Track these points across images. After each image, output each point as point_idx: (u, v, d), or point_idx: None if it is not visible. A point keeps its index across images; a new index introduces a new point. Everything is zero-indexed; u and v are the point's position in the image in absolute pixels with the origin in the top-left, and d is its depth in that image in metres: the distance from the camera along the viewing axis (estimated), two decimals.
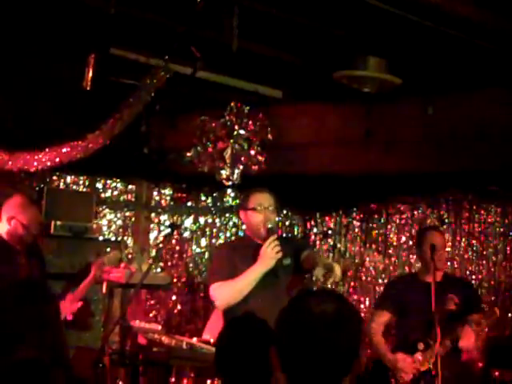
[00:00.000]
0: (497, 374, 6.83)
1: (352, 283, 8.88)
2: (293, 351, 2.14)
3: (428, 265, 5.47)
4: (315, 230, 9.28)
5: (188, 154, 6.98)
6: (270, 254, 4.70)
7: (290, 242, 5.02)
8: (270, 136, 6.99)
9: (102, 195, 8.05)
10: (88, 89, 5.20)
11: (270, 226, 4.80)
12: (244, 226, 5.09)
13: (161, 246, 8.11)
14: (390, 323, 5.87)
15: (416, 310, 5.46)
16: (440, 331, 5.25)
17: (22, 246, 5.40)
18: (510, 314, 7.70)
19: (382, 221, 8.71)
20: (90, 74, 5.21)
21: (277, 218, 5.03)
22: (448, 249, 8.10)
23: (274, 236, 4.75)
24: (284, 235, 4.95)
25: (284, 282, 4.82)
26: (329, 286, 4.67)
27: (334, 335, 2.12)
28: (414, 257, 8.38)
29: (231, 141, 7.00)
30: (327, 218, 9.16)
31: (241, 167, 7.03)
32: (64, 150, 6.12)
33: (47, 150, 6.16)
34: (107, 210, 8.12)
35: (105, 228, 8.08)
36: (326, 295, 2.28)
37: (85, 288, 6.06)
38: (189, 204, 8.69)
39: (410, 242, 8.45)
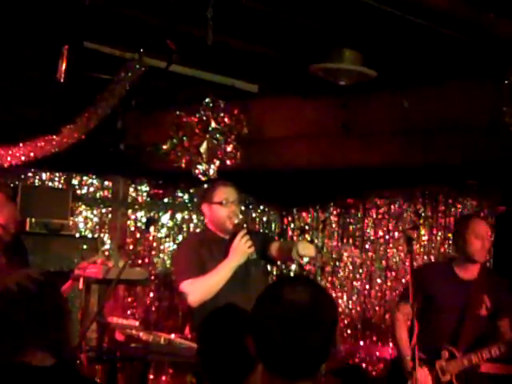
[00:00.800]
0: None
1: (329, 278, 8.90)
2: (268, 339, 2.14)
3: (470, 257, 5.08)
4: (292, 225, 9.30)
5: (164, 147, 6.96)
6: (242, 248, 4.66)
7: (255, 235, 4.93)
8: (245, 130, 6.99)
9: (78, 192, 8.01)
10: (61, 81, 5.17)
11: (236, 220, 4.77)
12: (207, 220, 5.02)
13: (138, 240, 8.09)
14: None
15: (446, 309, 5.04)
16: (469, 340, 5.03)
17: (1, 245, 5.35)
18: None
19: (359, 215, 8.74)
20: (64, 66, 5.18)
21: (241, 216, 4.97)
22: (425, 242, 8.18)
23: (244, 230, 4.73)
24: (248, 229, 4.93)
25: (254, 276, 4.80)
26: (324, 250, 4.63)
27: (309, 323, 2.12)
28: (392, 251, 8.43)
29: (207, 136, 6.99)
30: (304, 214, 9.18)
31: (217, 162, 7.02)
32: (39, 144, 6.10)
33: (21, 144, 6.13)
34: (83, 207, 8.09)
35: (81, 225, 8.04)
36: (301, 283, 2.26)
37: (66, 290, 6.08)
38: (165, 200, 8.67)
39: (387, 237, 8.49)
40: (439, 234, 8.12)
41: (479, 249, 5.06)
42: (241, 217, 4.92)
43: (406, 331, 5.07)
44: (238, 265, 4.69)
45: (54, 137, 6.16)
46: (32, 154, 6.14)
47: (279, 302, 2.14)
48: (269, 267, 5.91)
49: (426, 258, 8.10)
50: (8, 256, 5.36)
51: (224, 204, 4.78)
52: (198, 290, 4.66)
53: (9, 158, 6.10)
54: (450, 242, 7.97)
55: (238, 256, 4.68)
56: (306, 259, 4.71)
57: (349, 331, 8.56)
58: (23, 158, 6.14)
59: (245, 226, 4.99)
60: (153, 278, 8.36)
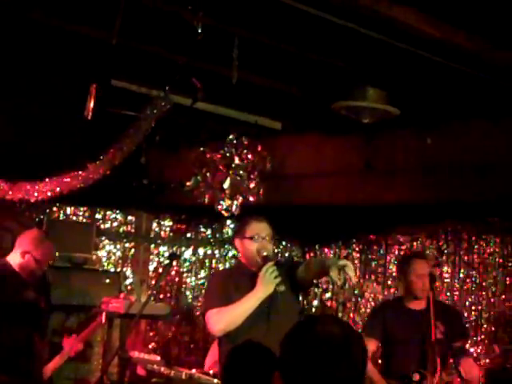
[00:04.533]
0: None
1: (351, 315, 8.89)
2: (299, 374, 2.12)
3: (413, 293, 5.47)
4: None
5: (188, 184, 7.00)
6: (268, 279, 4.63)
7: (281, 266, 5.00)
8: (269, 167, 7.02)
9: (102, 226, 8.06)
10: (89, 119, 5.24)
11: (265, 253, 4.76)
12: (239, 254, 5.07)
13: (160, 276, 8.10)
14: (377, 351, 5.81)
15: (404, 338, 5.40)
16: (434, 363, 5.17)
17: (32, 279, 5.44)
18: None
19: (382, 252, 8.74)
20: (92, 105, 5.25)
21: (273, 248, 4.99)
22: (447, 280, 8.15)
23: (271, 262, 4.71)
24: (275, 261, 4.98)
25: (281, 310, 4.72)
26: (346, 286, 4.61)
27: (341, 358, 2.11)
28: None
29: (230, 172, 7.03)
30: (326, 250, 9.18)
31: (240, 198, 7.05)
32: (64, 179, 6.17)
33: (48, 180, 6.20)
34: (107, 241, 8.13)
35: (104, 259, 8.08)
36: (332, 319, 2.29)
37: (91, 332, 6.15)
38: (188, 235, 8.71)
39: None
40: (462, 271, 8.10)
41: (420, 288, 5.43)
42: (271, 250, 4.87)
43: (372, 364, 5.48)
44: (264, 296, 4.65)
45: (80, 172, 6.22)
46: (58, 190, 6.21)
47: (312, 337, 2.14)
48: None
49: (448, 294, 8.07)
50: (37, 290, 5.46)
51: (255, 239, 4.78)
52: (223, 319, 4.65)
53: (35, 194, 6.17)
54: (473, 279, 7.99)
55: (264, 287, 4.65)
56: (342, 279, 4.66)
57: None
58: (49, 194, 6.21)
59: (274, 261, 4.93)
60: (175, 313, 8.37)
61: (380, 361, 5.72)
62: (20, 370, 5.22)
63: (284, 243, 9.28)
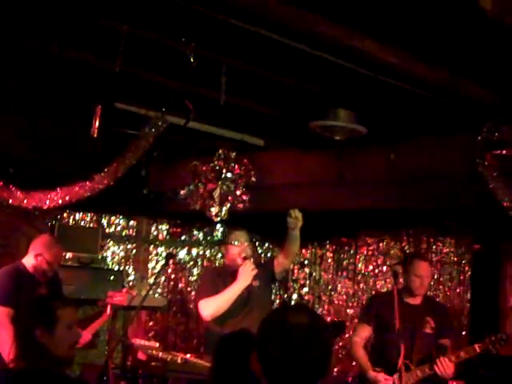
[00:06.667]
0: None
1: (326, 306, 8.89)
2: (273, 358, 2.15)
3: (411, 289, 5.29)
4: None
5: (182, 192, 7.01)
6: (247, 271, 5.18)
7: (260, 265, 5.53)
8: (253, 178, 7.03)
9: (107, 230, 8.03)
10: (95, 136, 5.25)
11: (244, 255, 5.31)
12: (225, 258, 5.59)
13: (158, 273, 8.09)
14: (371, 338, 5.53)
15: (398, 329, 5.01)
16: (420, 355, 5.12)
17: (45, 278, 5.41)
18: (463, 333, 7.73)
19: (352, 252, 8.75)
20: (97, 124, 5.25)
21: (251, 251, 5.47)
22: None
23: (249, 260, 5.29)
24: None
25: (256, 301, 5.25)
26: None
27: (310, 343, 2.14)
28: (380, 283, 8.43)
29: (220, 182, 7.03)
30: (304, 250, 9.19)
31: (228, 205, 7.05)
32: (74, 189, 6.15)
33: (59, 189, 6.18)
34: (111, 243, 8.10)
35: (109, 259, 8.06)
36: (302, 310, 2.32)
37: (98, 324, 6.21)
38: (183, 238, 8.69)
39: (376, 270, 8.49)
40: None
41: (418, 286, 5.30)
42: (250, 253, 5.42)
43: (363, 350, 5.36)
44: (244, 285, 5.18)
45: (87, 183, 6.20)
46: (68, 198, 6.18)
47: (283, 325, 2.16)
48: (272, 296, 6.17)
49: None
50: (49, 288, 5.43)
51: (236, 244, 5.34)
52: (212, 306, 5.13)
53: (48, 202, 6.15)
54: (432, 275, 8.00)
55: (244, 278, 5.18)
56: (299, 217, 4.99)
57: (343, 352, 8.53)
58: (60, 202, 6.18)
59: (252, 259, 5.42)
60: (171, 305, 8.35)
61: (370, 350, 5.48)
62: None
63: (266, 244, 9.27)
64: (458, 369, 5.17)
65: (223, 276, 5.38)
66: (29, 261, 5.36)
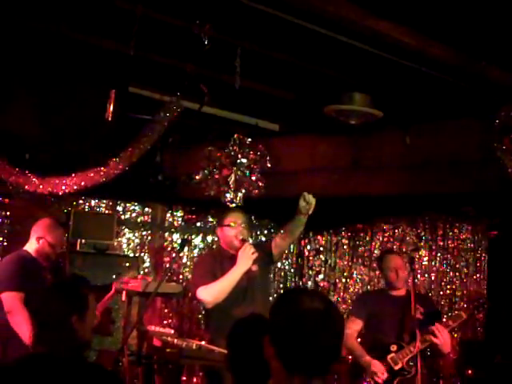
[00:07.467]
0: (470, 372, 6.78)
1: (342, 293, 8.86)
2: (288, 341, 2.13)
3: (391, 284, 5.45)
4: (308, 247, 9.28)
5: (197, 177, 6.98)
6: (246, 255, 4.86)
7: (258, 245, 5.10)
8: (268, 164, 7.00)
9: (122, 217, 8.04)
10: (109, 120, 5.22)
11: (241, 237, 4.97)
12: (220, 241, 5.20)
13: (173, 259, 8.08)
14: (362, 330, 5.71)
15: (387, 318, 5.35)
16: (411, 336, 5.17)
17: (48, 262, 5.39)
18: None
19: (367, 239, 8.71)
20: (111, 108, 5.23)
21: (248, 233, 5.11)
22: (425, 262, 8.12)
23: (248, 242, 4.96)
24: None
25: (256, 286, 4.97)
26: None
27: (324, 327, 2.13)
28: None
29: (235, 168, 7.01)
30: (319, 237, 9.16)
31: (243, 191, 7.04)
32: (89, 175, 6.13)
33: (74, 175, 6.16)
34: (126, 230, 8.11)
35: (124, 245, 8.06)
36: (316, 293, 2.31)
37: (106, 302, 6.14)
38: (198, 224, 8.68)
39: None
40: (438, 254, 8.07)
41: (395, 278, 5.42)
42: (247, 235, 5.07)
43: (355, 340, 5.53)
44: (244, 269, 4.87)
45: (102, 168, 6.18)
46: (83, 184, 6.16)
47: (298, 308, 2.14)
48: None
49: (426, 276, 8.05)
50: (52, 272, 5.42)
51: (232, 226, 5.00)
52: (213, 292, 4.85)
53: (63, 187, 6.13)
54: (448, 262, 7.96)
55: (244, 262, 4.87)
56: (313, 202, 4.79)
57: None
58: (75, 187, 6.16)
59: (250, 241, 5.14)
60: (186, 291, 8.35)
61: (363, 339, 5.64)
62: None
63: (282, 231, 9.23)
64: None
65: (220, 260, 5.06)
66: (31, 246, 5.32)
